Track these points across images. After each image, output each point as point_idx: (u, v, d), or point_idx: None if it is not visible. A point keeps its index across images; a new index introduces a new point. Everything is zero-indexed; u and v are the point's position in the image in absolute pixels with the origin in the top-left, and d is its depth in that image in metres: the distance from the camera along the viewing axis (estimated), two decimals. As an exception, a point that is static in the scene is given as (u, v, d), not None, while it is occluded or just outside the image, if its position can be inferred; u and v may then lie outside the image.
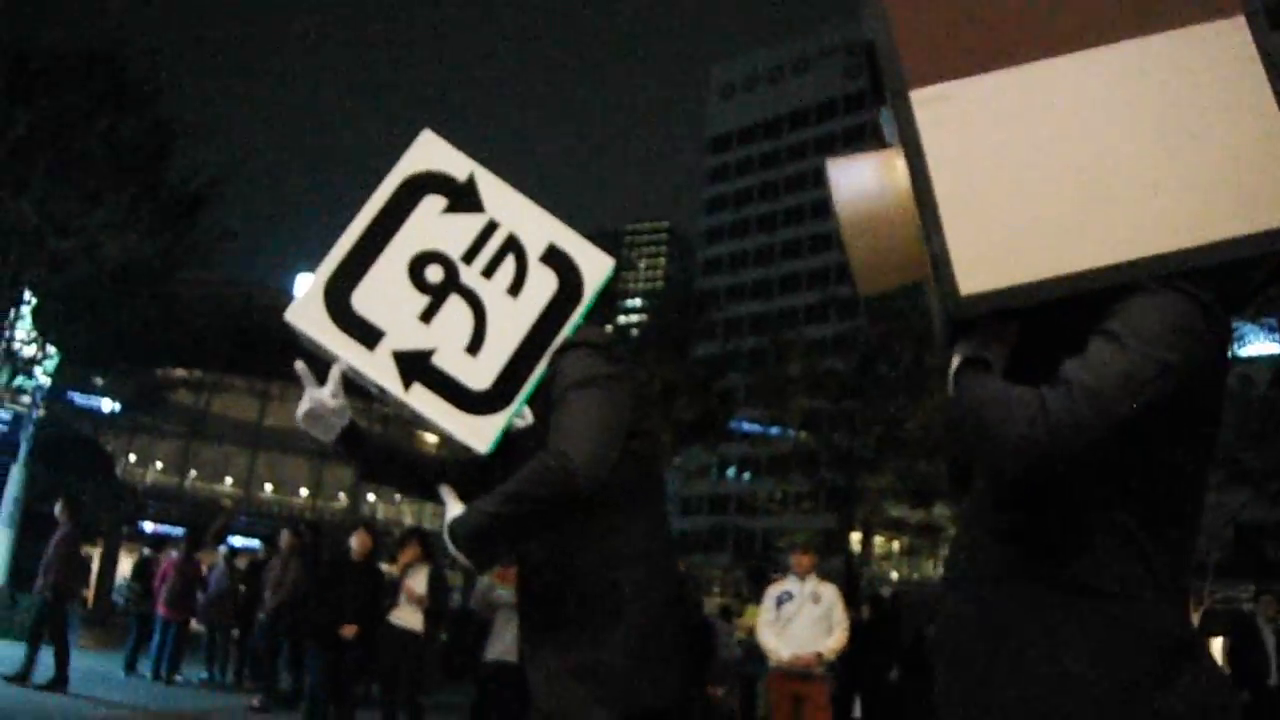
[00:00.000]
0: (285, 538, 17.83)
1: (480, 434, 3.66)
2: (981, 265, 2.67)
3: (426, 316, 3.72)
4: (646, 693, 3.54)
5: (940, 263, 2.69)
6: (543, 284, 3.78)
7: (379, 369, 3.67)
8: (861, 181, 2.88)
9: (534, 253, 3.80)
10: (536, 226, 3.84)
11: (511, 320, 3.73)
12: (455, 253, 3.78)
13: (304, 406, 3.85)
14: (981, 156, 2.74)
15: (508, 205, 3.86)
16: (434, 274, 3.75)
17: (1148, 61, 2.73)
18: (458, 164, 3.88)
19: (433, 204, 3.82)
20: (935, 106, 2.78)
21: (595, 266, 3.82)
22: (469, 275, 3.77)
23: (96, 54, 32.70)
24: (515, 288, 3.76)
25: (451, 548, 3.46)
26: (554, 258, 3.81)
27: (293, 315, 3.72)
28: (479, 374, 3.68)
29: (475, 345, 3.71)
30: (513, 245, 3.80)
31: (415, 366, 3.68)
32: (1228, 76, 2.68)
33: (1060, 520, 2.66)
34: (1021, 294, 2.65)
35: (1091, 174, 2.68)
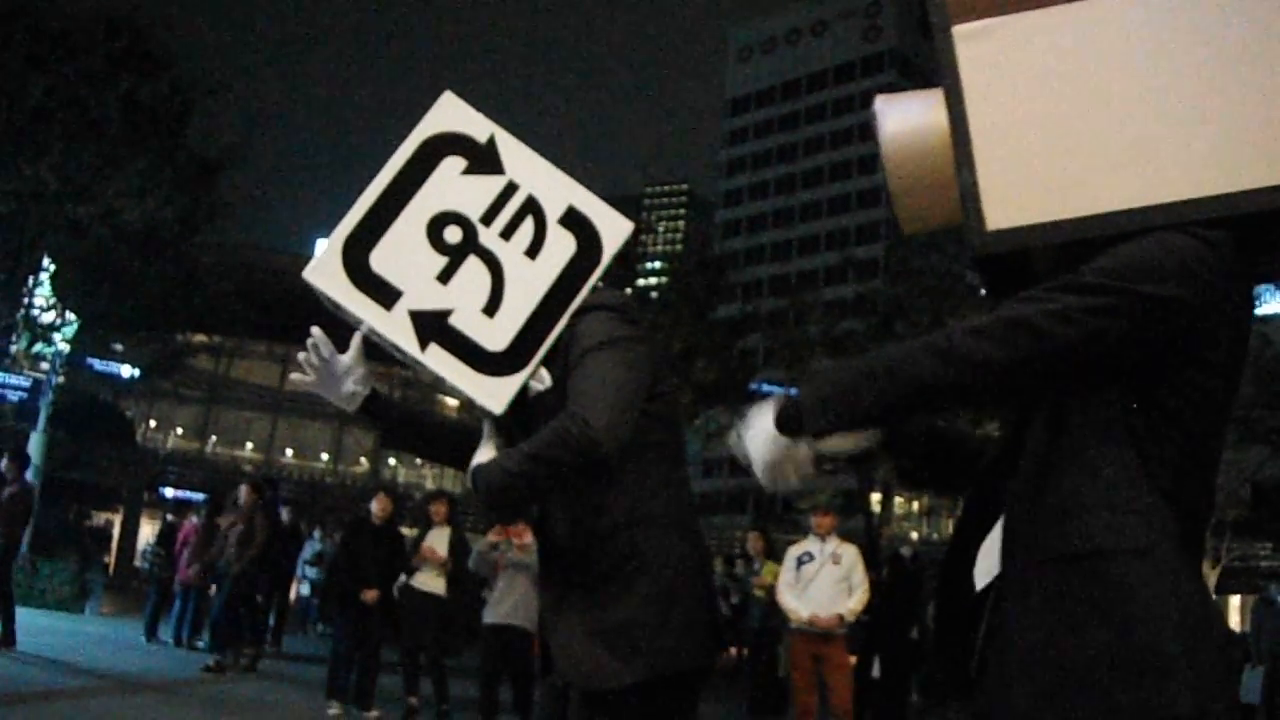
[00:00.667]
0: (244, 493, 17.67)
1: (495, 395, 3.65)
2: (1010, 201, 2.64)
3: (444, 277, 3.72)
4: (670, 654, 3.51)
5: (968, 196, 2.67)
6: (561, 246, 3.76)
7: (396, 328, 3.67)
8: (908, 117, 2.85)
9: (553, 215, 3.78)
10: (556, 189, 3.83)
11: (529, 282, 3.72)
12: (474, 214, 3.77)
13: (309, 376, 3.85)
14: (1019, 94, 2.70)
15: (527, 167, 3.85)
16: (452, 235, 3.75)
17: (1192, 5, 2.65)
18: (478, 125, 3.88)
19: (452, 165, 3.82)
20: (977, 42, 2.75)
21: (614, 230, 3.80)
22: (487, 236, 3.76)
23: (115, 18, 32.69)
24: (533, 250, 3.75)
25: (472, 487, 3.51)
26: (573, 220, 3.79)
27: (311, 273, 3.73)
28: (495, 335, 3.68)
29: (492, 306, 3.70)
30: (532, 207, 3.78)
31: (432, 326, 3.68)
32: (1273, 21, 2.59)
33: (1061, 498, 2.58)
34: (1047, 232, 2.62)
35: (1128, 116, 2.62)
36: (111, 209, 31.46)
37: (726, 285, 60.74)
